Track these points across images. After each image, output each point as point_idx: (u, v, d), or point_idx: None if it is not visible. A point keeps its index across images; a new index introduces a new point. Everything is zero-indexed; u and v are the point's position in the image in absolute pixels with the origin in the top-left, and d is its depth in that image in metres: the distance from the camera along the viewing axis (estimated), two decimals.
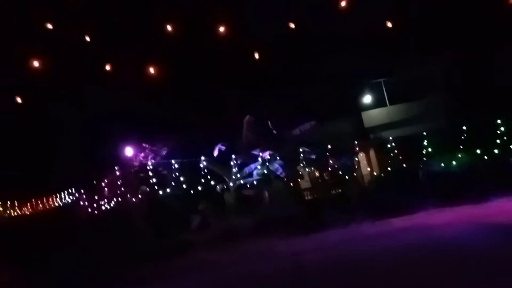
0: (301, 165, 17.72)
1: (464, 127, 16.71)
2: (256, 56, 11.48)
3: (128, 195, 16.65)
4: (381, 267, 7.95)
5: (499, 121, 16.09)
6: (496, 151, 15.52)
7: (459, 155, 15.66)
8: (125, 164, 17.25)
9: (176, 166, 16.84)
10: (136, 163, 17.32)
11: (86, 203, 18.22)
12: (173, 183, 16.73)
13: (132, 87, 16.01)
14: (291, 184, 17.08)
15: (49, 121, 18.73)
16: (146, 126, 17.68)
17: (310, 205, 16.59)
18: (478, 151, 15.62)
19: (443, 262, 7.53)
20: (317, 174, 19.36)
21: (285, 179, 16.85)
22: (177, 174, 16.81)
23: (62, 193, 22.52)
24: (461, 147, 16.15)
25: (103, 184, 17.83)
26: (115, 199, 17.30)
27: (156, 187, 16.75)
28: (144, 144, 17.56)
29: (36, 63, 9.69)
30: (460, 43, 17.01)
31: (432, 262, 7.64)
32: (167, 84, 16.67)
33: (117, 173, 17.16)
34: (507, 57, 16.50)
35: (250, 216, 15.70)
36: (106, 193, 17.65)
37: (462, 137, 16.63)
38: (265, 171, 17.03)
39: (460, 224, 10.90)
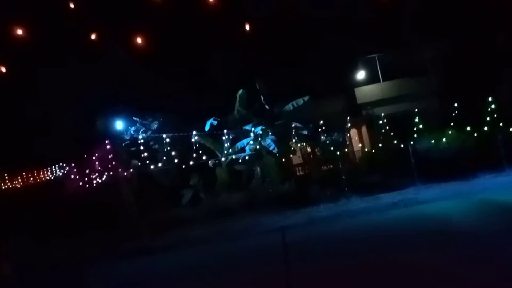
0: (293, 140, 17.71)
1: (455, 105, 16.72)
2: (247, 27, 11.15)
3: (119, 169, 16.59)
4: (367, 241, 8.13)
5: (490, 99, 16.11)
6: (485, 128, 15.63)
7: (449, 133, 15.75)
8: (115, 138, 17.09)
9: (168, 140, 16.73)
10: (126, 137, 17.17)
11: (77, 177, 18.15)
12: (164, 158, 16.67)
13: (121, 58, 15.63)
14: (283, 160, 17.11)
15: (38, 93, 18.37)
16: (137, 99, 17.43)
17: (301, 181, 16.71)
18: (468, 129, 15.71)
19: (429, 236, 7.70)
20: (308, 150, 19.41)
21: (277, 155, 16.87)
22: (168, 148, 16.72)
23: (52, 166, 22.40)
24: (451, 124, 16.22)
25: (93, 158, 17.71)
26: (105, 173, 17.24)
27: (147, 162, 16.69)
28: (135, 118, 17.35)
29: (19, 31, 9.33)
30: (454, 25, 16.83)
31: (417, 237, 7.82)
32: (158, 56, 16.33)
33: (108, 147, 17.02)
34: (498, 39, 16.37)
35: (242, 192, 15.81)
36: (96, 167, 17.56)
37: (453, 115, 16.67)
38: (257, 146, 17.00)
39: (446, 200, 11.11)
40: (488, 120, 15.83)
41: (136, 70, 16.89)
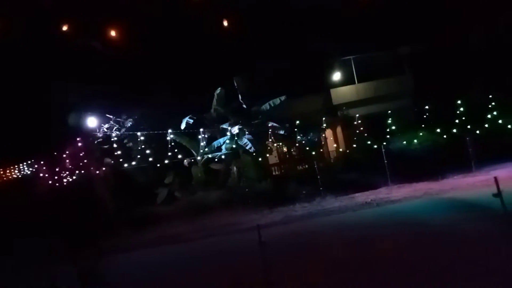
0: (270, 140, 17.78)
1: (427, 107, 17.27)
2: (225, 23, 11.12)
3: (92, 167, 16.14)
4: (341, 239, 8.27)
5: (459, 102, 16.74)
6: (454, 130, 16.24)
7: (421, 134, 16.26)
8: (88, 135, 16.62)
9: (142, 138, 16.44)
10: (99, 134, 16.73)
11: (47, 175, 17.52)
12: (138, 156, 16.36)
13: (96, 53, 15.21)
14: (260, 159, 17.15)
15: (4, 88, 17.59)
16: (112, 96, 16.98)
17: (278, 180, 16.80)
18: (438, 130, 16.27)
19: (400, 233, 7.92)
20: (285, 149, 19.55)
21: (254, 154, 16.89)
22: (143, 146, 16.42)
23: (20, 164, 21.51)
24: (423, 125, 16.76)
25: (64, 155, 17.15)
26: (77, 171, 16.74)
27: (121, 160, 16.33)
28: (108, 115, 16.93)
29: None
30: (428, 26, 17.36)
31: (389, 233, 8.03)
32: (135, 52, 16.00)
33: (80, 144, 16.52)
34: (470, 43, 17.01)
35: (218, 190, 15.73)
36: (67, 164, 17.02)
37: (425, 116, 17.22)
38: (234, 145, 16.96)
39: (417, 199, 11.45)
40: (457, 122, 16.45)
41: (111, 66, 16.47)
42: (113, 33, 10.71)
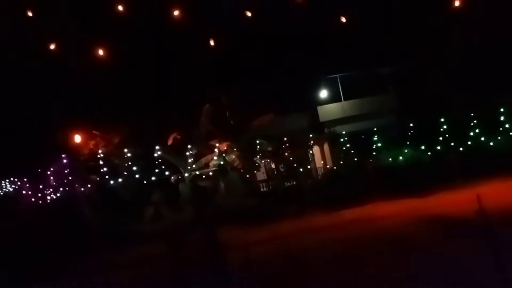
0: (258, 157, 17.83)
1: (411, 125, 17.64)
2: (212, 43, 11.28)
3: (76, 184, 15.88)
4: (328, 257, 8.26)
5: (442, 120, 17.16)
6: (438, 147, 16.59)
7: (406, 151, 16.56)
8: (73, 151, 16.41)
9: (129, 155, 16.29)
10: (85, 151, 16.53)
11: (30, 192, 17.16)
12: (125, 173, 16.18)
13: (82, 69, 15.17)
14: (247, 176, 17.14)
15: None
16: (98, 112, 16.91)
17: (265, 197, 16.78)
18: (423, 147, 16.59)
19: (386, 252, 7.96)
20: (272, 166, 19.61)
21: (241, 171, 16.88)
22: (129, 163, 16.27)
23: (2, 181, 21.02)
24: (407, 143, 17.07)
25: (48, 172, 16.86)
26: (61, 189, 16.44)
27: (107, 177, 16.12)
28: (94, 132, 16.79)
29: None
30: (412, 47, 17.92)
31: (376, 252, 8.06)
32: (121, 69, 16.01)
33: (64, 161, 16.28)
34: (451, 64, 17.57)
35: (205, 207, 15.59)
36: (52, 182, 16.72)
37: (409, 134, 17.55)
38: (222, 162, 16.94)
39: (402, 216, 11.55)
40: (441, 139, 16.81)
41: (97, 82, 16.43)
42: (100, 51, 10.75)
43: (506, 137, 16.72)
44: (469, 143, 16.68)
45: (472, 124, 17.16)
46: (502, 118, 17.21)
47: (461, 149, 16.33)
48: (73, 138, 16.20)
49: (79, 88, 16.55)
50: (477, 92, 16.63)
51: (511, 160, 14.49)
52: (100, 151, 16.58)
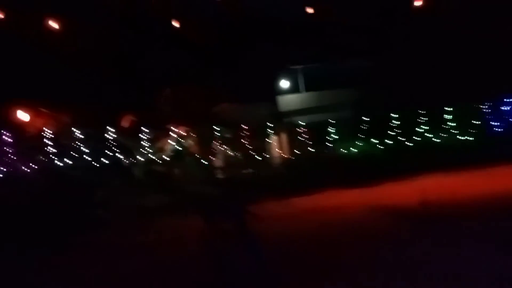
0: (216, 143, 17.72)
1: (366, 119, 18.35)
2: (177, 25, 10.95)
3: (21, 165, 14.92)
4: (279, 246, 8.43)
5: (393, 115, 18.04)
6: (389, 141, 17.46)
7: (359, 144, 17.25)
8: (17, 129, 15.34)
9: (79, 135, 15.54)
10: (32, 130, 15.52)
11: None
12: (75, 154, 15.43)
13: (32, 40, 14.09)
14: (205, 162, 16.99)
15: None
16: (48, 87, 15.80)
17: (222, 184, 16.75)
18: (375, 141, 17.38)
19: (336, 240, 8.28)
20: (231, 153, 19.60)
21: (199, 157, 16.70)
22: (80, 144, 15.53)
23: None
24: (361, 136, 17.78)
25: None
26: (4, 169, 15.38)
27: (55, 158, 15.29)
28: (43, 109, 15.77)
29: None
30: (371, 45, 18.49)
31: (326, 241, 8.35)
32: (74, 41, 15.05)
33: (7, 139, 15.20)
34: (409, 61, 18.32)
35: (160, 193, 15.31)
36: None
37: (363, 128, 18.27)
38: (179, 147, 16.65)
39: (353, 206, 12.05)
40: (392, 134, 17.68)
41: (50, 52, 15.34)
42: (53, 24, 10.03)
43: (450, 135, 17.94)
44: (417, 138, 17.70)
45: (420, 121, 18.19)
46: (447, 116, 18.41)
47: (409, 143, 17.30)
48: (17, 115, 15.09)
49: (26, 60, 15.37)
50: (427, 90, 17.58)
51: (453, 156, 15.63)
52: (48, 130, 15.65)
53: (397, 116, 18.10)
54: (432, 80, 17.18)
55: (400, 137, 17.64)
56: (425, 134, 17.95)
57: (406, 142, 17.38)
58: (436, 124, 17.96)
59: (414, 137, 17.71)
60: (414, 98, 17.76)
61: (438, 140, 17.72)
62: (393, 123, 18.06)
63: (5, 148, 15.39)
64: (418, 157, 15.90)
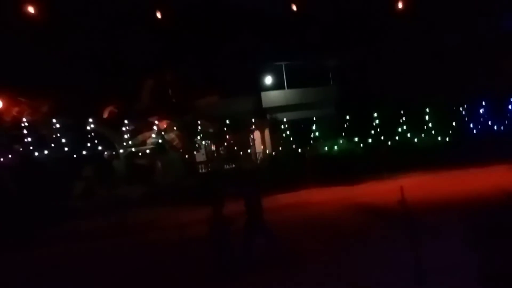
0: (198, 137, 17.60)
1: (347, 117, 18.55)
2: (159, 15, 10.79)
3: None
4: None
5: (375, 115, 18.28)
6: (370, 140, 17.72)
7: (341, 141, 17.44)
8: None
9: (58, 125, 15.13)
10: (8, 118, 15.03)
11: None
12: (53, 145, 15.03)
13: (9, 26, 13.61)
14: (186, 156, 16.88)
15: None
16: (25, 75, 15.30)
17: (203, 178, 16.69)
18: (356, 139, 17.60)
19: (316, 236, 8.40)
20: (213, 148, 19.51)
21: (181, 150, 16.57)
22: (58, 134, 15.12)
23: None
24: (343, 134, 17.98)
25: None
26: None
27: (32, 148, 14.86)
28: (20, 98, 15.30)
29: None
30: (354, 42, 18.68)
31: (307, 236, 8.47)
32: (53, 28, 14.61)
33: None
34: (387, 62, 18.62)
35: (141, 186, 15.13)
36: None
37: (345, 126, 18.47)
38: (160, 140, 16.46)
39: (333, 203, 12.23)
40: (373, 133, 17.94)
41: (26, 43, 14.88)
42: (30, 9, 9.70)
43: (429, 136, 18.35)
44: (397, 138, 18.02)
45: (401, 121, 18.52)
46: (427, 117, 18.80)
47: (389, 143, 17.59)
48: None
49: (4, 49, 14.84)
50: (408, 91, 17.91)
51: (432, 156, 16.02)
52: (25, 120, 15.19)
53: (377, 115, 18.37)
54: (412, 79, 17.50)
55: (381, 136, 17.93)
56: (405, 133, 18.30)
57: (386, 141, 17.68)
58: (416, 124, 18.34)
59: (394, 136, 18.03)
60: (394, 97, 18.08)
61: (416, 141, 18.11)
62: (374, 122, 18.33)
63: None
64: (399, 156, 16.24)
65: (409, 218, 5.92)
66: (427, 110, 18.84)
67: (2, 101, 14.76)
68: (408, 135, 18.26)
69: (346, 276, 5.62)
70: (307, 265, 6.30)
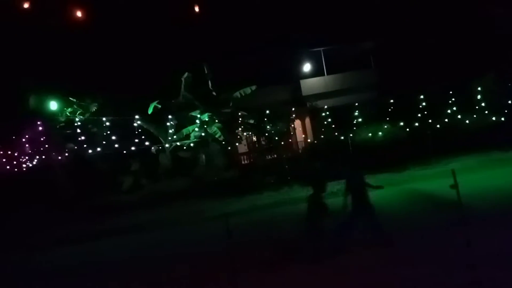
0: (239, 129, 17.77)
1: (391, 101, 17.82)
2: (197, 9, 10.92)
3: (52, 153, 15.50)
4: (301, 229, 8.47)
5: (421, 97, 17.40)
6: (416, 124, 16.93)
7: (385, 126, 16.82)
8: (49, 119, 15.90)
9: (108, 123, 15.93)
10: (62, 119, 16.05)
11: (4, 160, 16.68)
12: (103, 142, 15.86)
13: (59, 32, 14.45)
14: (228, 148, 17.12)
15: None
16: (75, 79, 16.28)
17: (246, 169, 16.87)
18: (401, 124, 16.90)
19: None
20: (254, 138, 19.63)
21: (223, 143, 16.83)
22: (108, 132, 15.93)
23: None
24: (386, 119, 17.31)
25: (23, 139, 16.36)
26: (37, 156, 16.04)
27: (84, 145, 15.79)
28: (72, 98, 16.26)
29: None
30: (393, 23, 17.86)
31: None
32: (101, 33, 15.34)
33: (40, 128, 15.79)
34: (434, 40, 17.63)
35: (186, 179, 15.60)
36: (27, 149, 16.25)
37: (388, 110, 17.77)
38: (203, 134, 16.81)
39: (380, 190, 11.83)
40: (419, 116, 17.12)
41: (75, 47, 15.75)
42: (78, 14, 10.19)
43: (480, 116, 17.17)
44: (446, 120, 17.06)
45: (449, 102, 17.48)
46: (478, 97, 17.60)
47: (437, 126, 16.71)
48: (49, 105, 15.64)
49: (56, 53, 15.81)
50: (456, 69, 16.86)
51: (483, 138, 15.01)
52: (77, 119, 16.14)
53: (423, 96, 17.45)
54: (460, 57, 16.44)
55: (428, 119, 17.03)
56: (455, 115, 17.26)
57: (434, 124, 16.79)
58: (466, 104, 17.21)
59: (443, 118, 17.07)
60: (441, 77, 17.09)
61: (467, 122, 17.01)
62: (420, 104, 17.43)
63: (38, 137, 16.00)
64: (448, 139, 15.40)
65: (462, 204, 5.65)
66: (478, 89, 17.64)
67: (56, 103, 15.75)
68: (458, 116, 17.22)
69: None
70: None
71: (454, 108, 17.35)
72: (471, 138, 15.11)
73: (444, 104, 17.44)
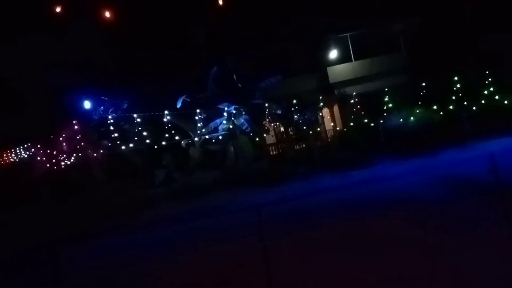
0: (267, 120, 17.77)
1: (423, 84, 17.22)
2: (220, 2, 10.95)
3: (89, 150, 16.13)
4: (335, 218, 8.39)
5: (455, 78, 16.69)
6: (450, 106, 16.27)
7: (417, 111, 16.29)
8: (84, 117, 16.52)
9: (138, 120, 16.36)
10: (95, 117, 16.63)
11: (44, 158, 17.52)
12: (135, 138, 16.32)
13: (90, 34, 14.94)
14: (257, 139, 17.18)
15: None
16: (106, 77, 16.82)
17: (275, 159, 16.89)
18: (435, 107, 16.30)
19: (394, 211, 8.04)
20: (282, 129, 19.58)
21: (251, 134, 16.90)
22: (139, 128, 16.36)
23: (17, 148, 21.46)
24: (419, 103, 16.76)
25: (61, 138, 17.11)
26: (74, 154, 16.74)
27: (117, 142, 16.30)
28: (103, 97, 16.78)
29: None
30: (422, 4, 17.15)
31: (383, 213, 8.15)
32: (129, 33, 15.71)
33: (76, 127, 16.45)
34: (465, 21, 16.82)
35: (216, 171, 15.83)
36: (64, 148, 16.99)
37: (421, 93, 17.19)
38: (231, 126, 16.94)
39: (413, 176, 11.52)
40: (453, 99, 16.46)
41: (105, 47, 16.23)
42: (106, 14, 10.48)
43: None
44: (483, 102, 16.31)
45: (486, 82, 16.68)
46: None
47: (474, 108, 16.01)
48: (83, 104, 16.24)
49: (88, 55, 16.37)
50: (491, 48, 16.04)
51: None
52: (110, 117, 16.66)
53: (458, 78, 16.71)
54: (494, 36, 15.61)
55: (463, 101, 16.32)
56: (492, 96, 16.45)
57: (470, 106, 16.07)
58: (504, 84, 16.36)
59: (479, 100, 16.32)
60: (476, 57, 16.33)
61: (506, 103, 16.17)
62: (455, 86, 16.71)
63: (74, 135, 16.69)
64: (485, 121, 14.73)
65: (503, 189, 5.41)
66: None
67: (89, 102, 16.31)
68: (496, 97, 16.40)
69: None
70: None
71: (491, 89, 16.55)
72: (509, 119, 14.38)
73: (481, 85, 16.67)
